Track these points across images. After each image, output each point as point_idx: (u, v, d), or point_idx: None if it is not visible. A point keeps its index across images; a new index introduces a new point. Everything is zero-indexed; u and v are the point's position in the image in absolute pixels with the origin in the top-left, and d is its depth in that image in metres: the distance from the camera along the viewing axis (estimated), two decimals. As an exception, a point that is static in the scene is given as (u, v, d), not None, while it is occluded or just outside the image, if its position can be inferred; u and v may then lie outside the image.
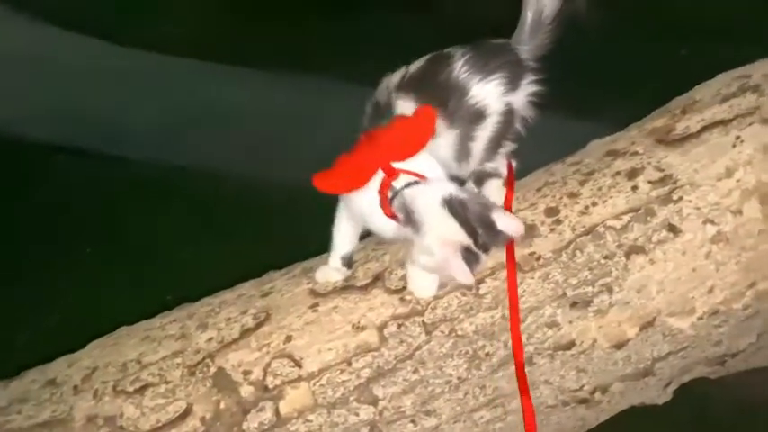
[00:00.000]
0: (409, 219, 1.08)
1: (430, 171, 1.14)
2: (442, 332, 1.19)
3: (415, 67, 1.22)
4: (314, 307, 1.22)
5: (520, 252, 1.22)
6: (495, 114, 1.20)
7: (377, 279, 1.23)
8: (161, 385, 1.18)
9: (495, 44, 1.24)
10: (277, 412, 1.15)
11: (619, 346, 1.21)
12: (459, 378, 1.18)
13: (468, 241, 1.06)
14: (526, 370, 1.17)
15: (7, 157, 4.12)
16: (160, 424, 1.15)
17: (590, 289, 1.20)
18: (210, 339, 1.22)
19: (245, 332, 1.21)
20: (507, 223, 1.08)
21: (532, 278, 1.20)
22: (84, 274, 3.23)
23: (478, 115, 1.19)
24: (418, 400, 1.18)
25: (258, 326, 1.22)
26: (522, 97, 1.22)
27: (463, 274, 1.04)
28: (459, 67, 1.18)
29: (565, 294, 1.20)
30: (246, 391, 1.16)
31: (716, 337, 1.24)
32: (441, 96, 1.17)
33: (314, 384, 1.16)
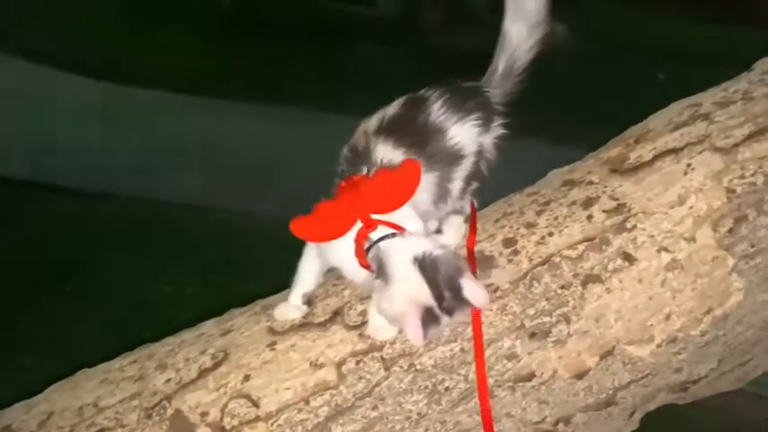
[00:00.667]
0: (381, 271, 1.09)
1: (408, 223, 1.15)
2: (401, 367, 1.18)
3: (391, 110, 1.23)
4: (272, 345, 1.21)
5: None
6: (471, 155, 1.22)
7: (336, 315, 1.22)
8: (117, 429, 1.16)
9: (468, 86, 1.25)
10: (235, 454, 1.13)
11: (579, 376, 1.21)
12: (419, 414, 1.18)
13: (431, 303, 1.07)
14: (487, 403, 1.16)
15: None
16: (113, 470, 1.13)
17: (548, 319, 1.20)
18: (169, 381, 1.21)
19: (203, 372, 1.21)
20: (474, 292, 1.08)
21: (490, 310, 1.20)
22: (63, 312, 3.22)
23: (456, 156, 1.21)
24: (378, 438, 1.17)
25: (216, 365, 1.21)
26: (490, 139, 1.25)
27: (415, 335, 1.04)
28: (437, 109, 1.20)
29: (523, 325, 1.20)
30: (204, 432, 1.15)
31: (676, 364, 1.24)
32: (419, 139, 1.19)
33: (272, 425, 1.15)
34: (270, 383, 1.17)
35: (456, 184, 1.23)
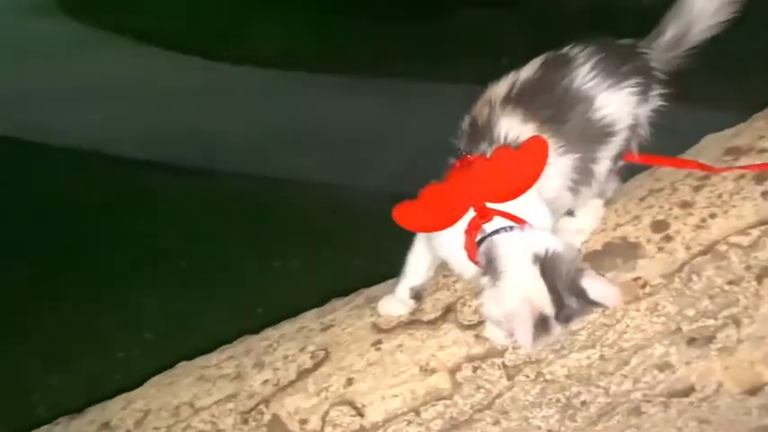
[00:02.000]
0: (490, 267, 0.92)
1: (532, 216, 0.95)
2: (527, 376, 1.00)
3: (526, 73, 1.01)
4: (377, 344, 1.08)
5: (621, 277, 1.01)
6: (624, 130, 1.00)
7: (448, 312, 1.06)
8: (212, 434, 1.07)
9: (624, 46, 1.03)
10: (337, 469, 1.01)
11: (753, 391, 0.98)
12: (549, 431, 0.99)
13: (549, 310, 0.89)
14: (632, 421, 0.96)
15: (106, 175, 4.32)
16: (211, 479, 1.04)
17: (712, 322, 0.98)
18: (266, 381, 1.10)
19: (303, 373, 1.09)
20: (602, 292, 0.90)
21: (637, 310, 0.99)
22: (180, 288, 3.31)
23: (606, 132, 0.99)
24: (501, 456, 1.00)
25: (317, 366, 1.09)
26: (646, 111, 1.03)
27: (526, 341, 0.87)
28: (585, 74, 0.98)
29: (680, 329, 0.98)
30: (303, 443, 1.03)
31: None
32: (557, 111, 0.98)
33: (377, 436, 1.01)
34: (375, 389, 1.04)
35: (603, 165, 1.01)
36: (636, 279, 1.01)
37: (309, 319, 1.21)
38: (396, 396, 1.03)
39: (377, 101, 4.63)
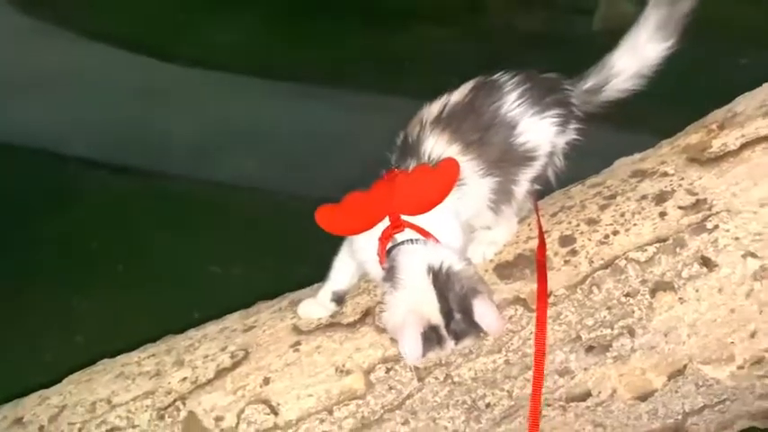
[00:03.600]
0: (391, 274, 0.97)
1: (442, 232, 1.01)
2: (437, 378, 1.05)
3: (456, 97, 1.07)
4: (295, 346, 1.11)
5: (528, 287, 1.07)
6: (543, 156, 1.08)
7: (366, 315, 1.10)
8: (128, 429, 1.08)
9: (549, 78, 1.10)
10: (249, 465, 1.03)
11: (643, 397, 1.05)
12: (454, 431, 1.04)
13: (437, 320, 0.94)
14: (532, 424, 1.02)
15: (48, 171, 4.21)
16: (121, 474, 1.05)
17: (609, 331, 1.05)
18: (185, 379, 1.12)
19: (221, 372, 1.11)
20: (485, 316, 0.95)
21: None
22: (114, 290, 3.24)
23: (527, 157, 1.06)
24: (408, 456, 1.05)
25: (235, 365, 1.11)
26: (563, 142, 1.10)
27: (411, 350, 0.92)
28: (512, 101, 1.05)
29: (579, 337, 1.05)
30: (217, 439, 1.05)
31: (761, 389, 1.06)
32: (483, 135, 1.04)
33: (291, 434, 1.04)
34: (291, 388, 1.07)
35: (522, 187, 1.08)
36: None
37: (233, 320, 1.23)
38: (311, 396, 1.06)
39: (329, 109, 4.66)
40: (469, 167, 1.04)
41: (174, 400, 1.09)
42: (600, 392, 1.05)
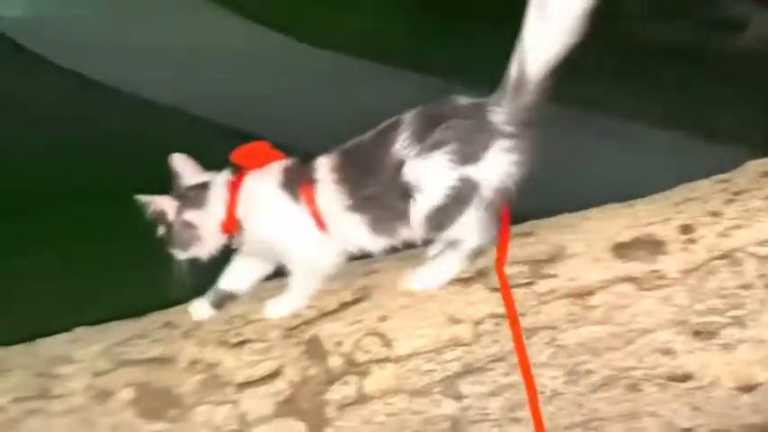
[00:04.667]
0: None
1: None
2: (542, 339, 1.11)
3: (367, 134, 1.15)
4: (411, 293, 1.20)
5: (640, 268, 1.12)
6: (441, 188, 1.08)
7: (480, 276, 1.18)
8: (258, 342, 1.22)
9: (448, 109, 1.09)
10: (360, 389, 1.14)
11: (746, 389, 1.06)
12: (553, 391, 1.11)
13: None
14: (629, 396, 1.07)
15: (187, 132, 4.57)
16: (252, 379, 1.19)
17: (718, 319, 1.07)
18: (311, 307, 1.24)
19: (343, 305, 1.22)
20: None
21: (651, 297, 1.09)
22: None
23: (412, 190, 1.09)
24: (506, 405, 1.12)
25: (355, 302, 1.22)
26: (488, 168, 1.08)
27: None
28: (401, 140, 1.09)
29: (687, 321, 1.08)
30: (335, 362, 1.17)
31: None
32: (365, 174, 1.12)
33: (400, 368, 1.14)
34: (404, 328, 1.17)
35: (416, 215, 1.11)
36: (654, 271, 1.11)
37: (355, 265, 1.35)
38: (422, 336, 1.15)
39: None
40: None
41: (300, 324, 1.22)
42: (702, 377, 1.07)
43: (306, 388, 1.17)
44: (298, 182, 1.15)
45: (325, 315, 1.22)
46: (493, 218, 1.12)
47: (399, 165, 1.08)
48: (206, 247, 1.20)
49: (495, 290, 1.16)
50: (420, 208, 1.10)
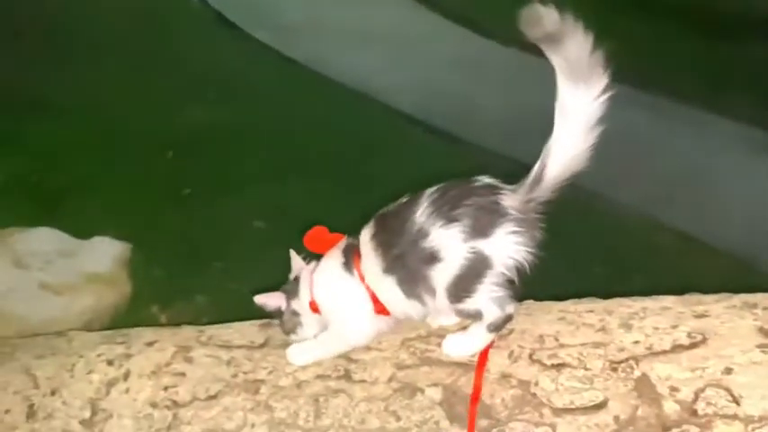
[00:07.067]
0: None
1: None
2: None
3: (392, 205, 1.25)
4: (762, 348, 1.11)
5: None
6: (457, 258, 1.16)
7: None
8: (579, 369, 1.18)
9: (467, 188, 1.19)
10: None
11: None
12: None
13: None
14: None
15: (376, 119, 4.66)
16: (573, 406, 1.15)
17: None
18: (637, 342, 1.19)
19: (677, 347, 1.16)
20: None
21: None
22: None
23: (432, 257, 1.18)
24: None
25: (692, 346, 1.15)
26: (498, 245, 1.16)
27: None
28: (422, 212, 1.18)
29: None
30: (671, 407, 1.10)
31: None
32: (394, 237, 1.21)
33: (750, 429, 1.06)
34: (756, 386, 1.08)
35: (438, 283, 1.19)
36: None
37: (672, 302, 1.28)
38: (776, 399, 1.06)
39: (643, 114, 4.49)
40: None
41: (628, 358, 1.17)
42: None
43: (633, 428, 1.11)
44: (353, 257, 1.27)
45: (656, 354, 1.17)
46: (509, 293, 1.19)
47: (420, 230, 1.18)
48: (308, 330, 1.34)
49: None
50: (442, 277, 1.18)
